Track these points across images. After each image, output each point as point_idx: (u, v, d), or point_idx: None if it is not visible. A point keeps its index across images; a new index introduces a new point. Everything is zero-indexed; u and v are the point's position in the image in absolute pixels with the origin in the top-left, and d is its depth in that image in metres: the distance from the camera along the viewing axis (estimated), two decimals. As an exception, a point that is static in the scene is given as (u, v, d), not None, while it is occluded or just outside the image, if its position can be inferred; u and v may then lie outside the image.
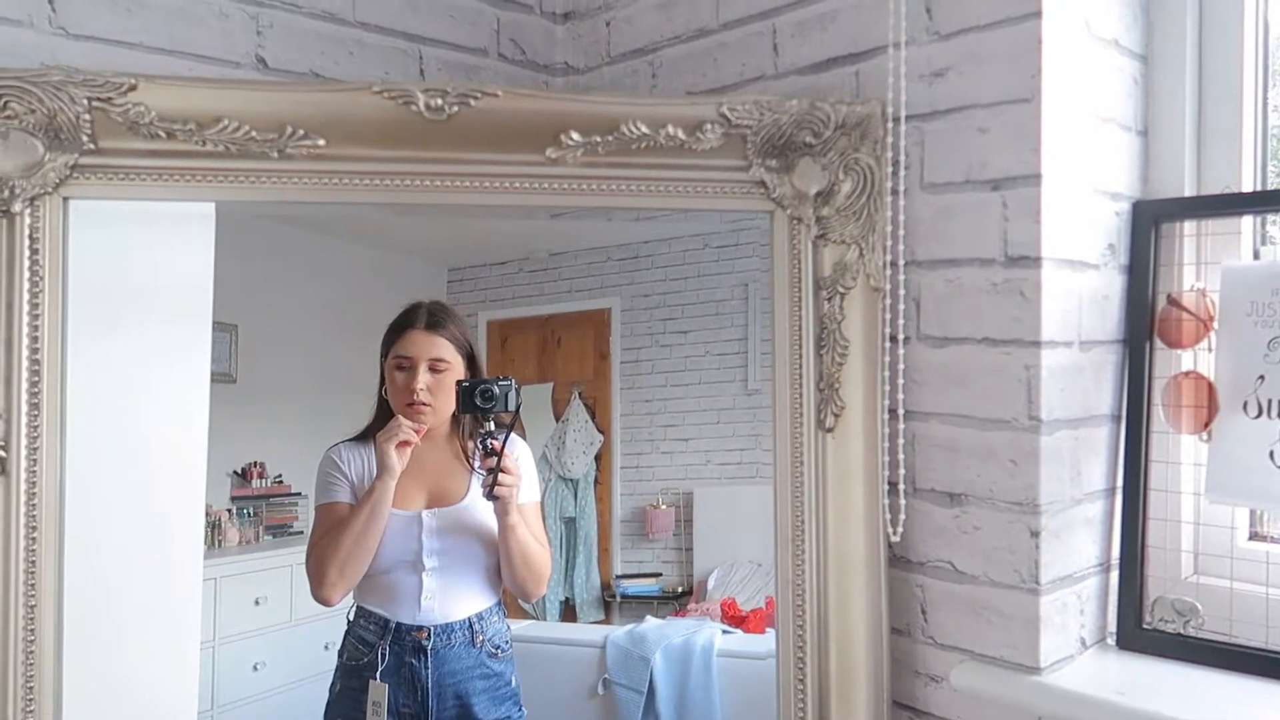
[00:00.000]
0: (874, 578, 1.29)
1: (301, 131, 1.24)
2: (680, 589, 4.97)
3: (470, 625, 1.73)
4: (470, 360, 1.78)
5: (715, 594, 4.50)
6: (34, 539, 1.17)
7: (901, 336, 1.28)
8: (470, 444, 1.65)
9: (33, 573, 1.17)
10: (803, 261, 1.31)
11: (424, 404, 1.64)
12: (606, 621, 4.69)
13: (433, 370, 1.70)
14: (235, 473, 4.58)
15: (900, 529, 1.27)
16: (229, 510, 4.33)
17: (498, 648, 1.77)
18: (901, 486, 1.28)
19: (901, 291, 1.27)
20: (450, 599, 1.72)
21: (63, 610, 1.20)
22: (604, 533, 5.05)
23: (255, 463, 4.43)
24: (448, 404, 1.65)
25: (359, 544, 1.72)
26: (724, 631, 2.90)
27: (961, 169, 1.24)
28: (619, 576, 5.14)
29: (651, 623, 3.03)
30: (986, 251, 1.23)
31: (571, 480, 4.93)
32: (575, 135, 1.26)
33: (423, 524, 1.68)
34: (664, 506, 4.99)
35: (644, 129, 1.27)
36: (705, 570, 4.75)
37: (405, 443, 1.62)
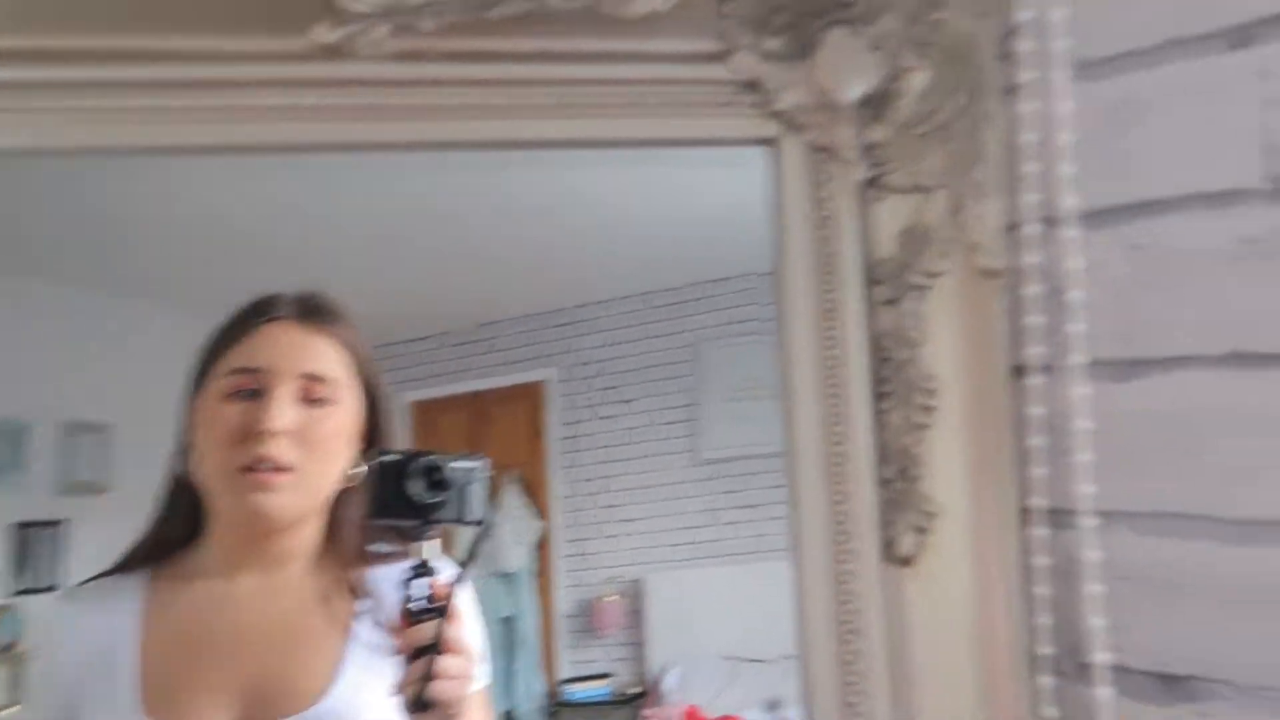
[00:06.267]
0: None
1: None
2: (634, 690, 4.26)
3: None
4: (373, 399, 0.99)
5: (675, 696, 3.80)
6: None
7: (1048, 363, 0.64)
8: (355, 574, 0.94)
9: None
10: (839, 229, 0.67)
11: (284, 468, 0.87)
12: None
13: (307, 398, 0.91)
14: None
15: (1069, 757, 0.62)
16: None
17: None
18: (1059, 665, 0.63)
19: (1044, 276, 0.64)
20: None
21: None
22: (547, 632, 4.35)
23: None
24: (327, 475, 0.91)
25: None
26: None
27: (1160, 22, 0.63)
28: (564, 681, 4.41)
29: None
30: (1226, 175, 0.60)
31: (508, 575, 4.24)
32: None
33: None
34: (612, 597, 4.31)
35: (516, -24, 0.64)
36: (662, 666, 4.05)
37: None
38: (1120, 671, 0.62)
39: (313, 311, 0.95)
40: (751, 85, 0.68)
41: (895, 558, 0.64)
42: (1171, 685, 0.62)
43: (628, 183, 3.22)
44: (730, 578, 3.95)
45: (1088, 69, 0.64)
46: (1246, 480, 0.59)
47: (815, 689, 0.63)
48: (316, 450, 0.89)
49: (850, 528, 0.64)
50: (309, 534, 0.94)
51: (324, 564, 0.95)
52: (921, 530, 0.63)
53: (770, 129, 0.68)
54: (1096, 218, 0.64)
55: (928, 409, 0.64)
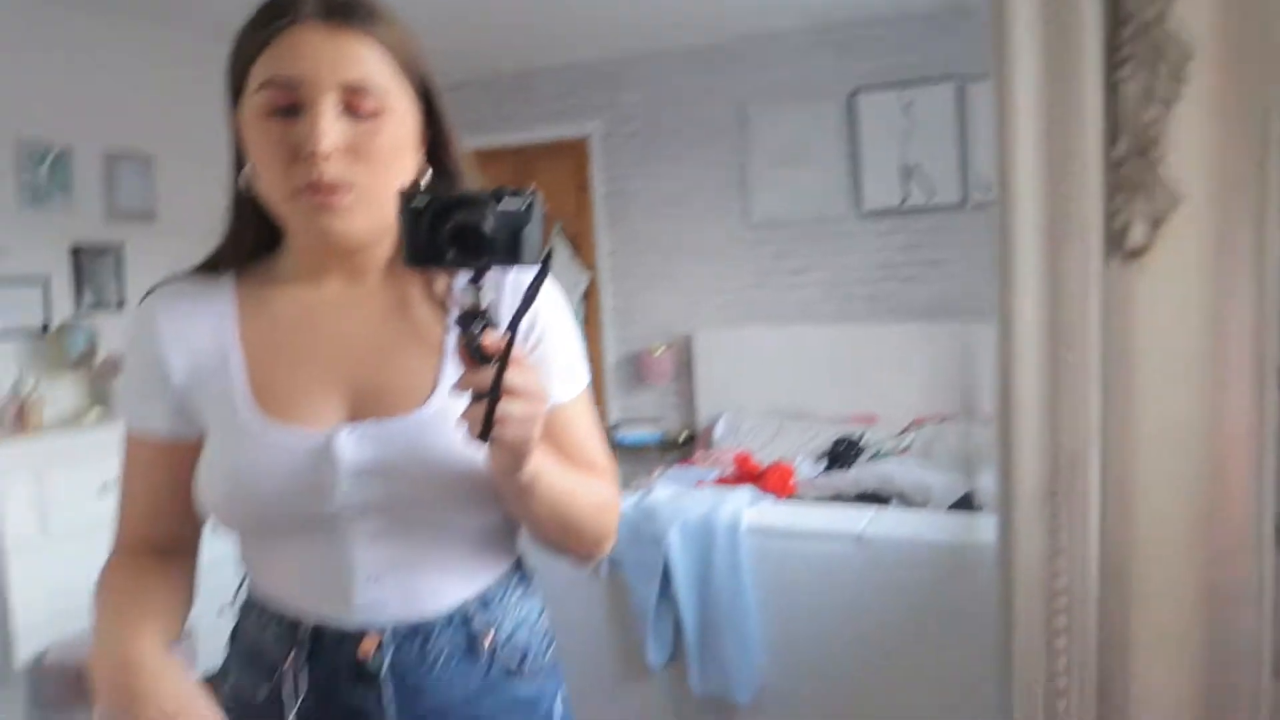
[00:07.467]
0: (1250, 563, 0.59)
1: None
2: (684, 436, 4.39)
3: (465, 620, 0.89)
4: (429, 103, 0.86)
5: (724, 442, 3.90)
6: None
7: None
8: (438, 285, 0.88)
9: None
10: None
11: (337, 185, 0.78)
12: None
13: (351, 110, 0.80)
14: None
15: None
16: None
17: (523, 656, 0.92)
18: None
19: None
20: (416, 577, 0.88)
21: None
22: (596, 379, 4.44)
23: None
24: (391, 189, 0.77)
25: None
26: (752, 503, 2.30)
27: None
28: (614, 425, 4.55)
29: (661, 493, 2.42)
30: None
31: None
32: None
33: (335, 455, 0.84)
34: (661, 352, 4.35)
35: None
36: (711, 417, 4.14)
37: None
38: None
39: (341, 8, 0.80)
40: None
41: (1123, 251, 0.55)
42: None
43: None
44: (776, 338, 3.94)
45: None
46: None
47: (1016, 407, 0.57)
48: (374, 166, 0.80)
49: (1072, 213, 0.55)
50: (385, 247, 0.88)
51: (402, 274, 0.88)
52: (1157, 220, 0.54)
53: None
54: None
55: (1178, 80, 0.53)
